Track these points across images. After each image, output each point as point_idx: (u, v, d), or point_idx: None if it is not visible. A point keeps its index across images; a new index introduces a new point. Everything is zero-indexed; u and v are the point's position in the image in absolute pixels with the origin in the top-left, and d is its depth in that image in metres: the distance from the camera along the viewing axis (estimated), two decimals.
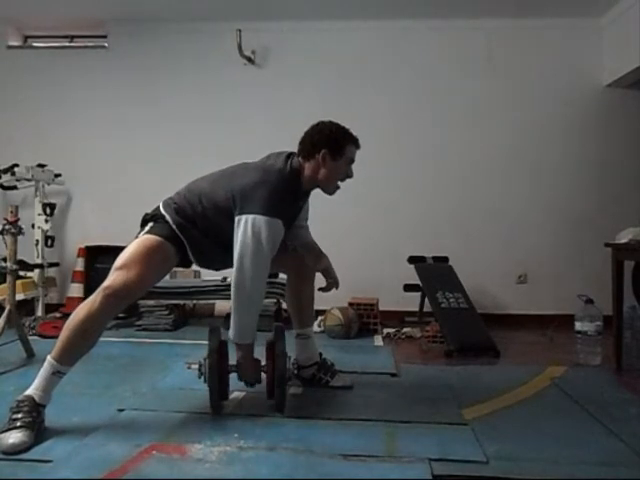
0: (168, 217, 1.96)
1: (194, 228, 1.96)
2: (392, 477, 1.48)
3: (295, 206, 2.08)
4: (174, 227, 1.95)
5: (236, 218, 1.87)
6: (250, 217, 1.84)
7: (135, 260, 1.81)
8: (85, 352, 1.80)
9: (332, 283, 2.25)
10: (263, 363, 2.03)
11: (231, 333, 1.93)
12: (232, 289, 1.88)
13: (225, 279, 3.66)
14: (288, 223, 2.00)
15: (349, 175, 2.09)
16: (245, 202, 1.87)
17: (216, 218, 1.95)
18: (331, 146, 1.99)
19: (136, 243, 1.88)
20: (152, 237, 1.90)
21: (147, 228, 1.96)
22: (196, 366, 1.98)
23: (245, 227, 1.83)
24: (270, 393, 2.00)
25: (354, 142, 2.06)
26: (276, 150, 2.10)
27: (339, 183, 2.10)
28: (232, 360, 2.02)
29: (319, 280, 2.30)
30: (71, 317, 1.78)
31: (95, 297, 1.76)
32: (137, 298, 1.91)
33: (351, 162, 2.08)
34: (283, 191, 1.91)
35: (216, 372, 1.91)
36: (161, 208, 2.01)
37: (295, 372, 2.18)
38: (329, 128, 2.03)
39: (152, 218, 1.99)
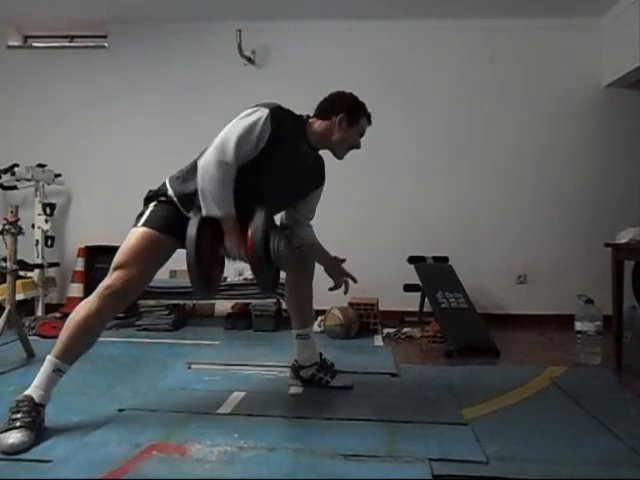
0: (171, 191, 1.94)
1: (195, 193, 1.90)
2: (392, 477, 1.48)
3: (297, 153, 2.04)
4: (175, 200, 1.92)
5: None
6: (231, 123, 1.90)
7: (134, 258, 1.81)
8: (85, 350, 1.80)
9: (348, 280, 2.25)
10: None
11: (206, 210, 1.84)
12: (199, 172, 1.85)
13: (225, 279, 3.66)
14: (293, 181, 2.01)
15: (357, 146, 2.14)
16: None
17: None
18: (349, 112, 2.07)
19: (134, 238, 1.86)
20: (149, 231, 1.87)
21: (147, 213, 1.92)
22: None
23: (224, 131, 1.88)
24: (254, 272, 1.91)
25: (368, 116, 2.15)
26: None
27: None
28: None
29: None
30: (71, 315, 1.79)
31: (95, 296, 1.77)
32: (138, 295, 1.90)
33: (361, 134, 2.14)
34: (288, 111, 1.97)
35: (195, 245, 1.78)
36: (167, 183, 1.99)
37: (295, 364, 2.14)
38: (350, 96, 2.14)
39: (155, 195, 1.97)
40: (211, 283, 1.95)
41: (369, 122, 2.16)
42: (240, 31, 4.08)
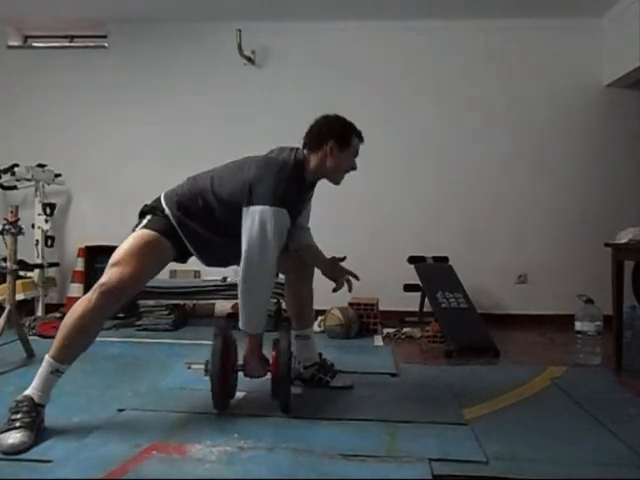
0: (168, 211, 1.95)
1: (194, 222, 1.95)
2: (392, 477, 1.48)
3: (300, 198, 2.08)
4: (173, 222, 1.94)
5: (244, 210, 1.89)
6: (257, 209, 1.86)
7: (131, 256, 1.81)
8: (83, 350, 1.80)
9: (350, 279, 2.24)
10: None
11: (241, 323, 1.93)
12: (240, 280, 1.88)
13: (225, 279, 3.66)
14: (294, 215, 2.01)
15: (353, 167, 2.13)
16: (251, 194, 1.89)
17: (220, 212, 1.96)
18: (338, 138, 2.04)
19: (132, 238, 1.88)
20: (148, 232, 1.89)
21: (144, 221, 1.95)
22: (198, 366, 1.98)
23: (252, 218, 1.86)
24: (274, 392, 2.00)
25: (358, 135, 2.11)
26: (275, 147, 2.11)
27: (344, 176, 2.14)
28: (240, 360, 2.03)
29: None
30: (68, 315, 1.78)
31: (92, 294, 1.76)
32: (134, 294, 1.90)
33: (356, 154, 2.12)
34: (288, 181, 1.93)
35: (219, 373, 1.89)
36: (162, 200, 2.00)
37: (301, 371, 2.17)
38: (335, 120, 2.09)
39: (151, 210, 1.98)
40: (229, 395, 2.02)
41: (361, 140, 2.12)
42: (240, 31, 4.08)
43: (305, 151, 2.08)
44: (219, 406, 1.93)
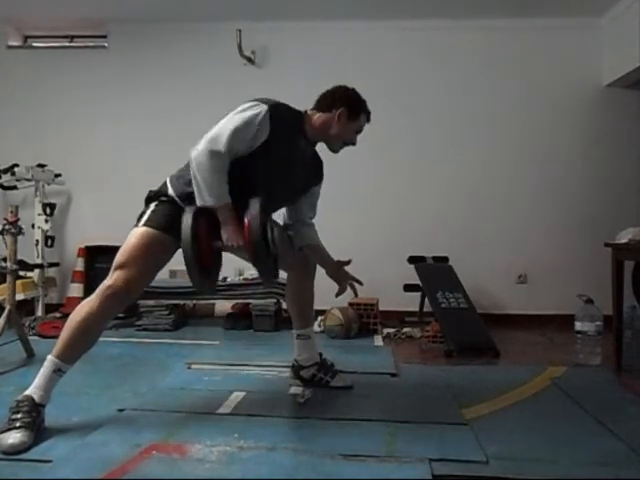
0: (172, 190, 1.93)
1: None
2: (392, 477, 1.48)
3: (297, 141, 2.03)
4: (177, 200, 1.91)
5: None
6: (229, 115, 1.90)
7: (135, 258, 1.81)
8: (86, 350, 1.80)
9: (354, 284, 2.23)
10: None
11: (201, 199, 1.83)
12: (191, 163, 1.84)
13: (225, 279, 3.67)
14: (287, 166, 1.97)
15: (353, 142, 2.14)
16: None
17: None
18: (350, 107, 2.06)
19: (134, 238, 1.86)
20: (150, 231, 1.86)
21: (148, 213, 1.92)
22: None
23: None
24: (253, 261, 1.87)
25: (368, 114, 2.13)
26: None
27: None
28: None
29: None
30: (72, 315, 1.78)
31: (97, 296, 1.77)
32: (139, 295, 1.90)
33: (359, 130, 2.13)
34: (278, 107, 1.93)
35: (191, 240, 1.75)
36: (167, 181, 1.99)
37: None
38: (352, 91, 2.12)
39: (156, 195, 1.96)
40: (209, 276, 1.91)
41: (368, 120, 2.14)
42: (240, 31, 4.08)
43: (312, 110, 2.09)
44: (197, 284, 1.84)
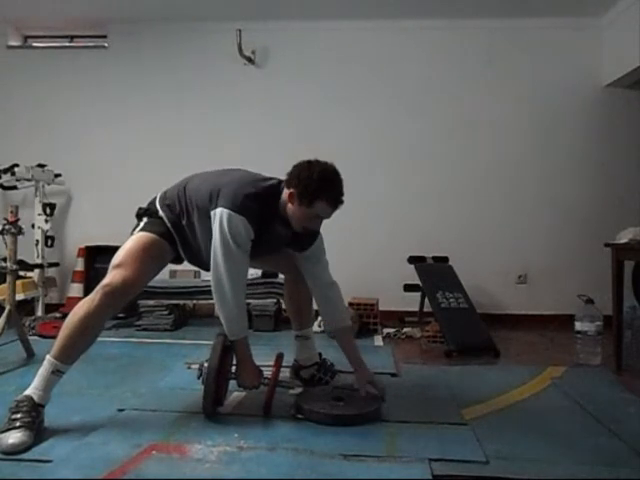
0: (162, 214, 1.97)
1: (182, 224, 1.97)
2: (392, 477, 1.48)
3: (272, 227, 1.96)
4: (169, 225, 1.96)
5: (211, 214, 1.87)
6: (218, 210, 1.83)
7: (132, 258, 1.83)
8: (84, 350, 1.80)
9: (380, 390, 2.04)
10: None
11: (231, 334, 1.93)
12: (212, 285, 1.87)
13: None
14: (267, 244, 1.97)
15: (314, 228, 1.96)
16: (218, 198, 1.86)
17: (196, 217, 1.95)
18: (300, 192, 1.85)
19: (132, 241, 1.90)
20: (147, 234, 1.92)
21: (142, 224, 1.97)
22: (197, 366, 1.98)
23: (214, 221, 1.84)
24: (267, 408, 1.92)
25: (331, 202, 1.86)
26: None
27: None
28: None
29: None
30: (70, 315, 1.79)
31: (94, 295, 1.77)
32: (136, 294, 1.91)
33: (318, 218, 1.91)
34: (256, 196, 1.85)
35: (214, 376, 1.87)
36: (157, 203, 2.02)
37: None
38: (312, 174, 1.85)
39: (146, 213, 2.00)
40: (220, 403, 1.98)
41: (332, 206, 1.86)
42: (240, 31, 4.08)
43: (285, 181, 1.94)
44: (209, 411, 1.90)
